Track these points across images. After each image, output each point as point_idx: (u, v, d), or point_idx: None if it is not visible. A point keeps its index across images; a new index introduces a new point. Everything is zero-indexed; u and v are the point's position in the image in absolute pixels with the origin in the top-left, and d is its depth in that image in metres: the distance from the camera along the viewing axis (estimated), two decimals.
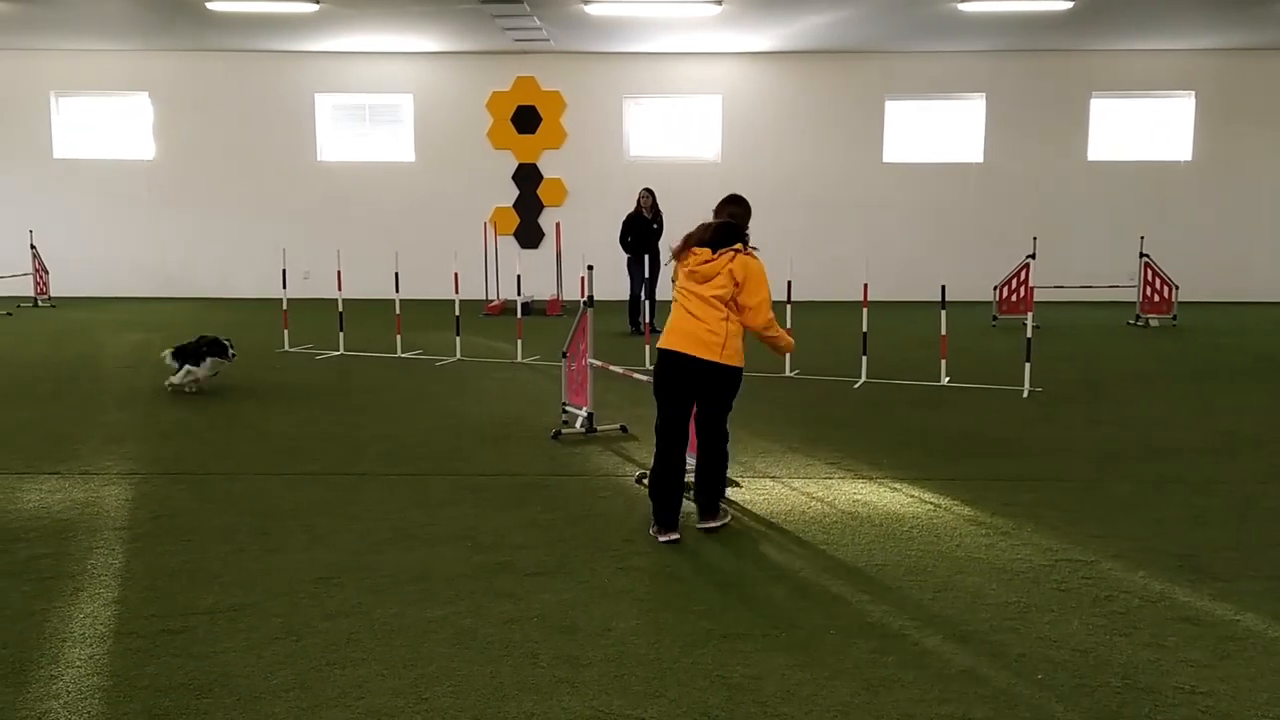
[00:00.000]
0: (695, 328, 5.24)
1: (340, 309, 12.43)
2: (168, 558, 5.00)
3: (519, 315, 12.00)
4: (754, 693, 3.58)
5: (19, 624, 4.16)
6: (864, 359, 10.09)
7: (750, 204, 5.76)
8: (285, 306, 12.63)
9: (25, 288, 17.37)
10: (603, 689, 3.60)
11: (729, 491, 6.06)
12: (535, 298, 16.29)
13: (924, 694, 3.57)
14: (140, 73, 18.42)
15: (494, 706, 3.48)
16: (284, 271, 12.87)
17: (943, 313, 10.04)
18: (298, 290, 14.70)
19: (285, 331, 12.42)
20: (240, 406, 8.86)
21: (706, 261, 5.32)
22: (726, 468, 5.65)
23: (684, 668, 3.78)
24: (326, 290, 13.92)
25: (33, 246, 17.24)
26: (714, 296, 5.25)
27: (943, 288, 10.09)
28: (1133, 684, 3.64)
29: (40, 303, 17.23)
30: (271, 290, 15.29)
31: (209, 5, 14.33)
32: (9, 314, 15.83)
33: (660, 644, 3.99)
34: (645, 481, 6.33)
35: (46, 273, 17.41)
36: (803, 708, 3.47)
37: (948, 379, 9.80)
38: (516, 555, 5.03)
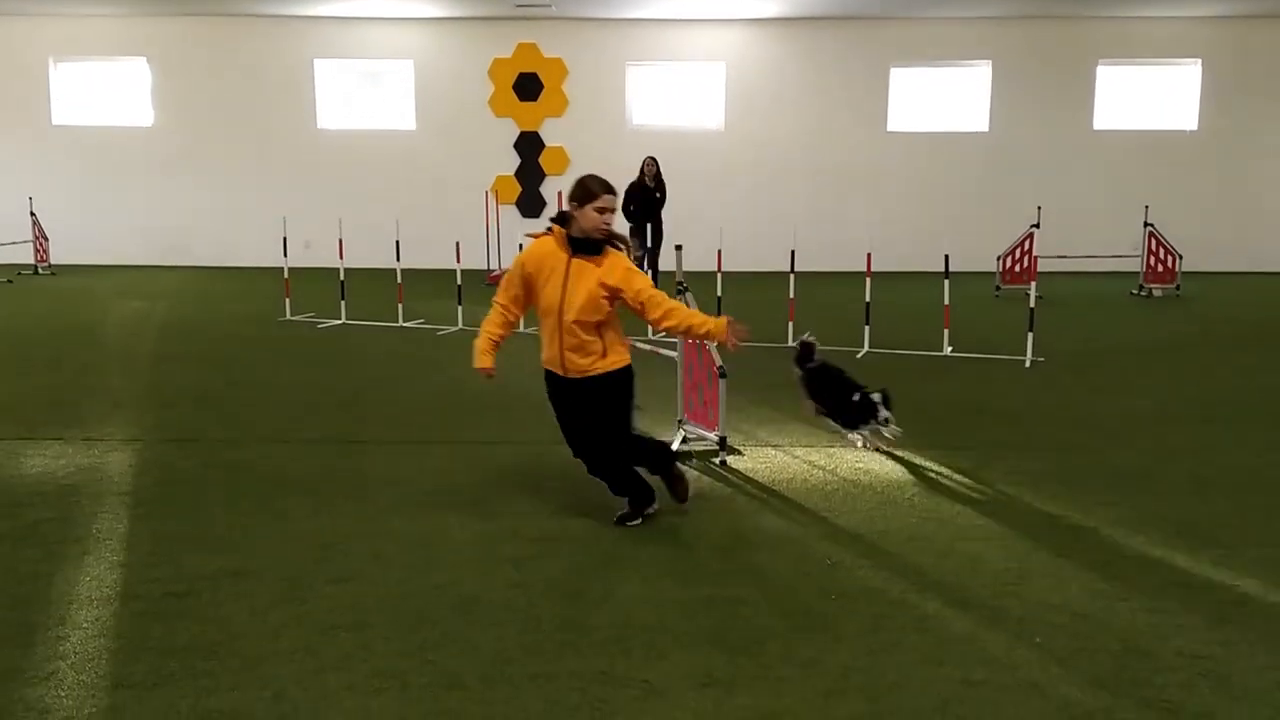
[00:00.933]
0: None
1: (342, 278, 12.41)
2: (172, 523, 5.02)
3: None
4: (755, 656, 3.61)
5: (25, 586, 4.19)
6: (866, 329, 10.07)
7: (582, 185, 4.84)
8: (286, 275, 12.61)
9: (25, 255, 17.34)
10: (606, 652, 3.63)
11: (731, 460, 6.08)
12: None
13: (924, 657, 3.59)
14: (138, 37, 18.29)
15: (498, 669, 3.51)
16: (285, 240, 12.85)
17: (946, 283, 10.01)
18: (299, 259, 14.66)
19: (287, 300, 12.41)
20: (243, 374, 8.87)
21: None
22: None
23: (686, 632, 3.80)
24: (328, 259, 13.90)
25: (32, 214, 17.20)
26: None
27: (946, 257, 10.06)
28: (1131, 647, 3.66)
29: (40, 270, 17.21)
30: (272, 259, 15.26)
31: None
32: (9, 281, 15.82)
33: (662, 609, 4.01)
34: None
35: (46, 240, 17.37)
36: (803, 671, 3.50)
37: (950, 349, 9.79)
38: (520, 522, 5.05)
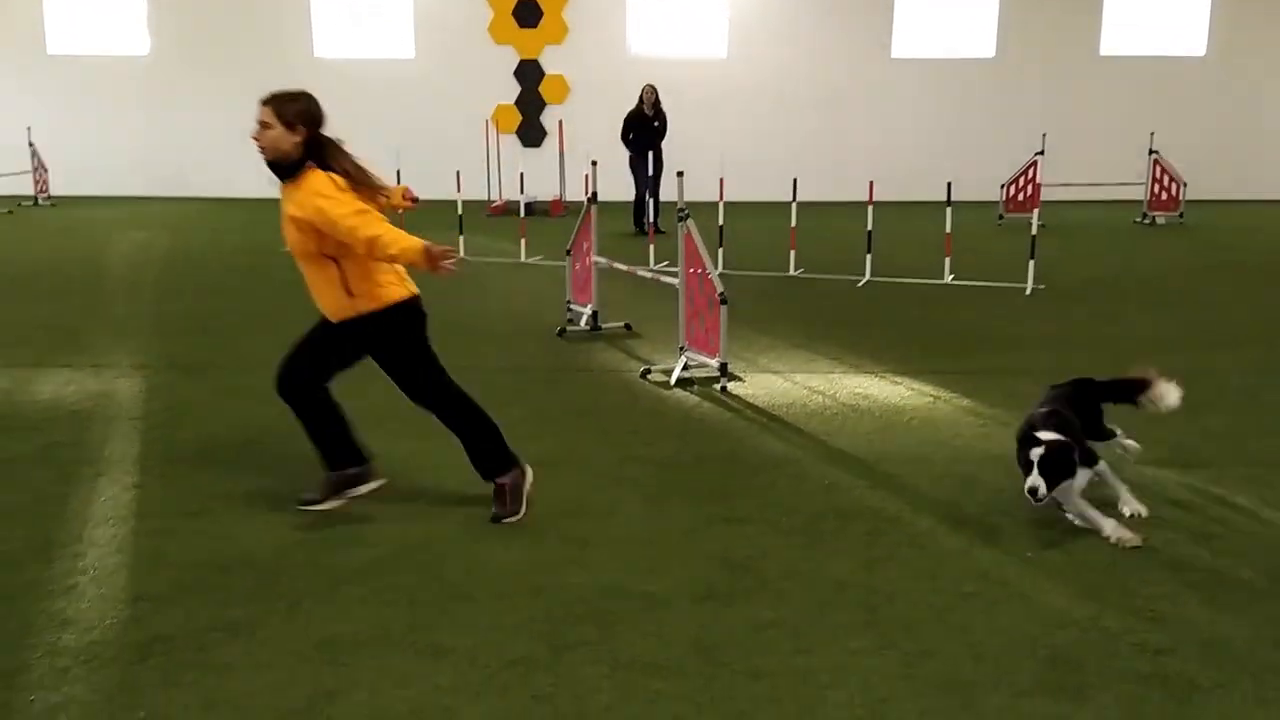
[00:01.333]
0: None
1: None
2: (183, 446, 5.11)
3: (521, 215, 11.95)
4: (755, 571, 3.71)
5: (42, 506, 4.29)
6: (868, 257, 10.09)
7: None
8: None
9: (25, 186, 17.26)
10: (609, 566, 3.74)
11: (731, 386, 6.15)
12: (538, 198, 16.19)
13: (917, 571, 3.70)
14: None
15: (506, 581, 3.62)
16: None
17: (948, 210, 10.00)
18: None
19: None
20: (246, 304, 8.91)
21: None
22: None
23: (687, 548, 3.91)
24: None
25: (31, 144, 17.07)
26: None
27: (948, 185, 10.03)
28: (1120, 561, 3.76)
29: (41, 201, 17.14)
30: (272, 190, 15.17)
31: None
32: (9, 212, 15.78)
33: (664, 527, 4.11)
34: (650, 376, 6.43)
35: (46, 171, 17.28)
36: (801, 583, 3.61)
37: (951, 277, 9.82)
38: (524, 445, 5.10)
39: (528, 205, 12.78)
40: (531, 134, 18.44)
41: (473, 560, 3.79)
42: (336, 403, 4.35)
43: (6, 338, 7.47)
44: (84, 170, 18.28)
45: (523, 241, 11.52)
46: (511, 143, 18.00)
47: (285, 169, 3.99)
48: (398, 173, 12.14)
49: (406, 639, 3.21)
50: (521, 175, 12.50)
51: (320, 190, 3.90)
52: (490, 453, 4.26)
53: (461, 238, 11.56)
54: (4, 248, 12.28)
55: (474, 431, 4.29)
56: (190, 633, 3.24)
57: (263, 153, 3.99)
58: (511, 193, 16.30)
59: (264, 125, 3.94)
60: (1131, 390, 4.51)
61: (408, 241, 3.78)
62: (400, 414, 4.68)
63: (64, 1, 18.40)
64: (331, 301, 4.12)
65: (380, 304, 4.07)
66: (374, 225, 3.83)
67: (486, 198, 16.55)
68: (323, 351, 4.28)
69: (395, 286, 4.07)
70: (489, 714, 2.80)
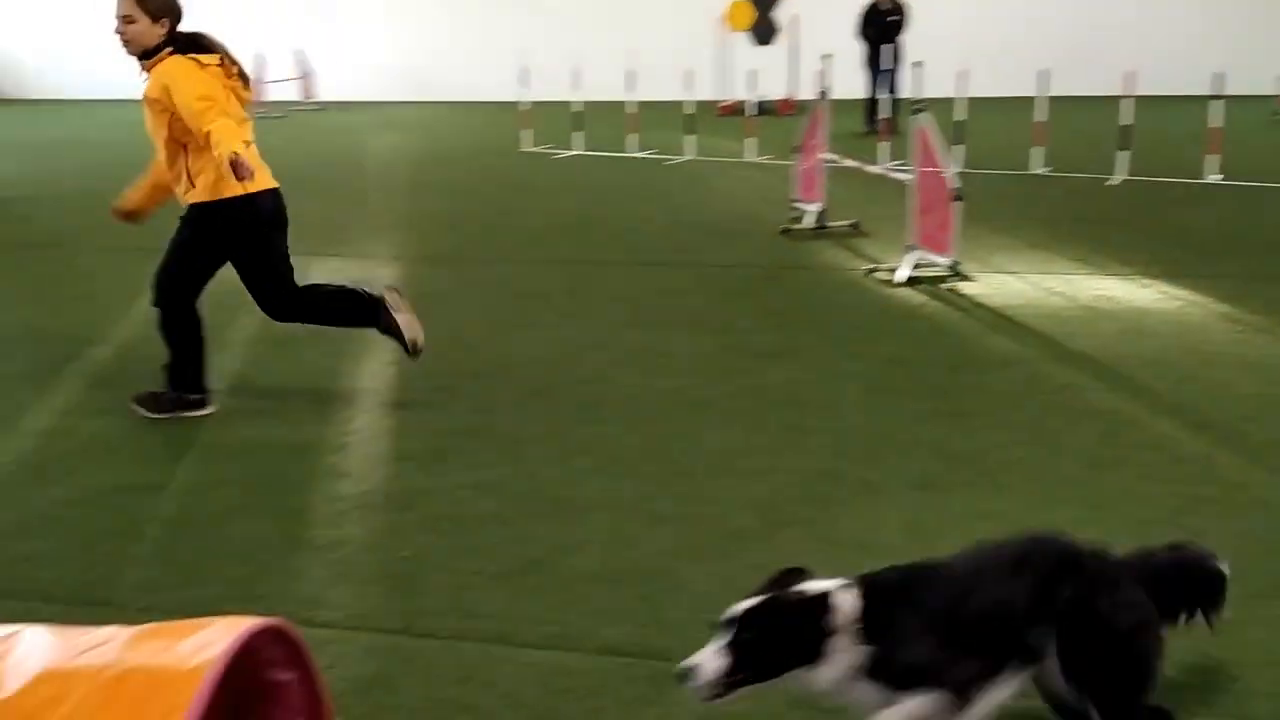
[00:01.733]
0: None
1: (577, 110, 12.71)
2: (435, 328, 5.49)
3: (750, 114, 11.89)
4: (974, 463, 3.71)
5: (316, 379, 4.81)
6: (1121, 154, 9.42)
7: None
8: (523, 107, 13.05)
9: (294, 93, 18.65)
10: (827, 453, 3.83)
11: (962, 286, 6.00)
12: (768, 97, 15.97)
13: (1150, 473, 3.58)
14: None
15: (726, 462, 3.79)
16: (520, 71, 13.21)
17: (1217, 103, 9.16)
18: (536, 92, 15.07)
19: (525, 132, 12.87)
20: (488, 201, 9.41)
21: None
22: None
23: (906, 439, 3.94)
24: (562, 93, 14.21)
25: (299, 53, 18.38)
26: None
27: (1219, 76, 9.17)
28: None
29: (308, 107, 18.50)
30: (511, 93, 15.74)
31: None
32: (282, 117, 17.13)
33: (884, 418, 4.15)
34: (875, 274, 6.37)
35: (313, 78, 18.58)
36: (1024, 477, 3.58)
37: (1218, 175, 9.04)
38: (748, 338, 5.26)
39: (758, 104, 12.68)
40: (764, 31, 18.11)
41: (695, 441, 3.98)
42: (200, 322, 4.28)
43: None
44: (344, 76, 19.55)
45: (751, 140, 11.49)
46: (744, 41, 17.78)
47: (146, 56, 4.04)
48: (628, 73, 12.31)
49: (633, 505, 3.45)
50: (752, 74, 12.38)
51: (170, 71, 3.96)
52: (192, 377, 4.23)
53: (691, 138, 11.65)
54: (279, 150, 13.39)
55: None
56: (445, 489, 3.60)
57: (126, 46, 4.04)
58: (743, 93, 16.18)
59: (127, 20, 3.98)
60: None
61: (225, 146, 3.72)
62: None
63: None
64: (179, 190, 4.16)
65: (213, 196, 4.05)
66: (213, 117, 3.83)
67: (717, 98, 16.49)
68: (175, 250, 4.23)
69: (230, 180, 3.82)
70: (706, 576, 2.99)
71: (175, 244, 4.23)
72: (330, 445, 4.00)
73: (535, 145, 12.67)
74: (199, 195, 4.08)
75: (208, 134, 3.80)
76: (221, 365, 4.84)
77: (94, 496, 3.58)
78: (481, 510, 3.44)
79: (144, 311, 5.83)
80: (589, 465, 3.78)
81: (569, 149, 12.34)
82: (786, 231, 7.68)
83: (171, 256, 4.22)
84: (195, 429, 4.16)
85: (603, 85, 16.04)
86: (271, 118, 16.81)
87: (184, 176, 4.09)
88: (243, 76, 4.18)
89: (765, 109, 15.12)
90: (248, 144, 3.91)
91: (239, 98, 4.12)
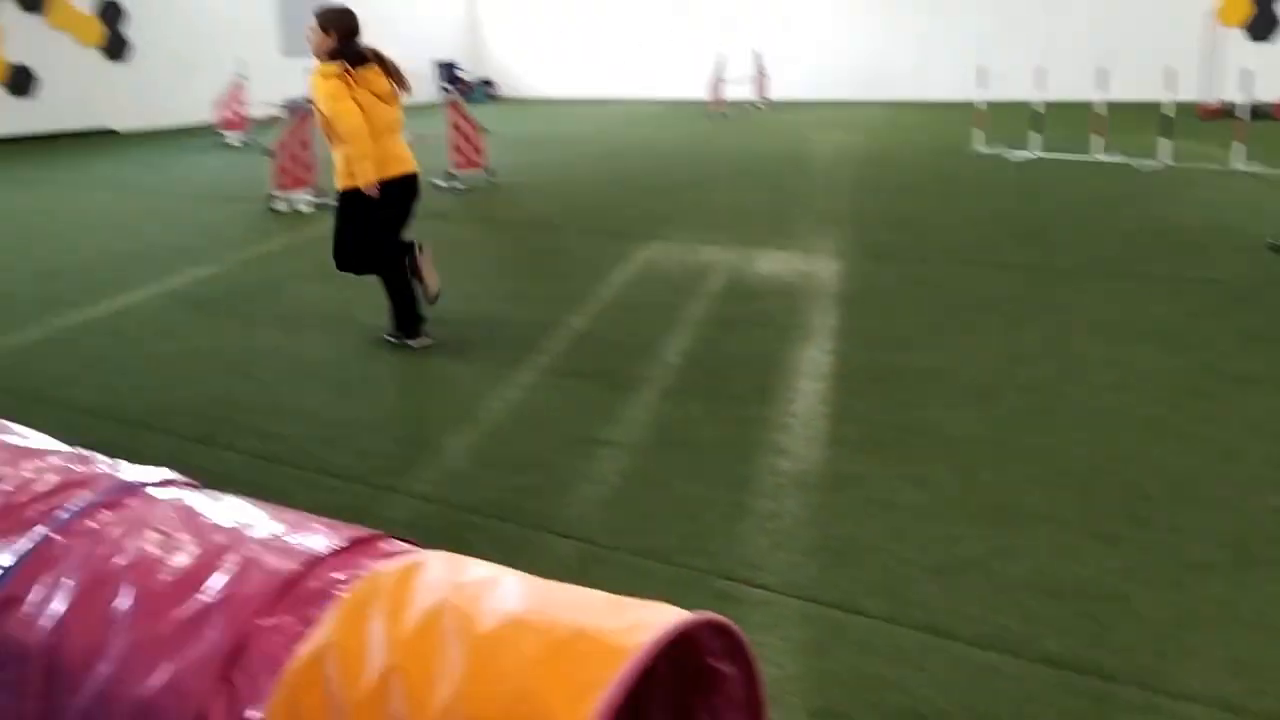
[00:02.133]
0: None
1: (1036, 109, 12.12)
2: (873, 322, 5.63)
3: (1241, 117, 10.64)
4: None
5: (759, 360, 5.06)
6: None
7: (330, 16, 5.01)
8: (979, 106, 12.66)
9: (749, 92, 19.53)
10: None
11: None
12: (1264, 100, 14.18)
13: None
14: None
15: (1189, 489, 3.49)
16: (978, 70, 12.82)
17: None
18: (995, 91, 14.55)
19: (977, 132, 12.49)
20: (934, 201, 9.27)
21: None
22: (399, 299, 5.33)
23: None
24: (1020, 91, 13.56)
25: (756, 55, 19.21)
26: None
27: None
28: None
29: (759, 106, 19.28)
30: (963, 92, 15.31)
31: None
32: (733, 116, 18.02)
33: None
34: None
35: (766, 78, 19.35)
36: None
37: None
38: (1221, 360, 4.78)
39: (1251, 107, 11.32)
40: (1262, 25, 16.09)
41: (1151, 463, 3.71)
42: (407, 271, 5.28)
43: (737, 220, 8.72)
44: (794, 76, 20.13)
45: (1239, 146, 10.29)
46: (1236, 37, 15.91)
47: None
48: (1097, 70, 11.48)
49: (1079, 521, 3.29)
50: (1247, 73, 11.06)
51: (320, 73, 4.93)
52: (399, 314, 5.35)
53: (1167, 142, 10.67)
54: (733, 145, 14.14)
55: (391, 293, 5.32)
56: (879, 477, 3.67)
57: (314, 53, 4.98)
58: (1232, 93, 14.50)
59: (311, 32, 4.98)
60: None
61: (358, 165, 4.93)
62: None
63: None
64: (337, 176, 5.12)
65: (346, 185, 5.07)
66: (348, 123, 4.88)
67: (1199, 99, 14.92)
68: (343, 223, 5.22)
69: (355, 176, 4.99)
70: (1161, 605, 2.79)
71: (357, 227, 5.19)
72: (772, 423, 4.21)
73: (988, 146, 12.27)
74: (340, 184, 5.10)
75: (337, 137, 4.97)
76: (676, 344, 5.27)
77: (570, 444, 4.07)
78: (914, 502, 3.47)
79: (611, 285, 6.49)
80: (1030, 474, 3.66)
81: (1025, 150, 11.81)
82: (1276, 249, 6.84)
83: (363, 236, 5.21)
84: (651, 398, 4.57)
85: (1067, 84, 15.14)
86: (726, 116, 17.75)
87: (339, 167, 5.08)
88: (395, 78, 5.12)
89: (1260, 113, 13.46)
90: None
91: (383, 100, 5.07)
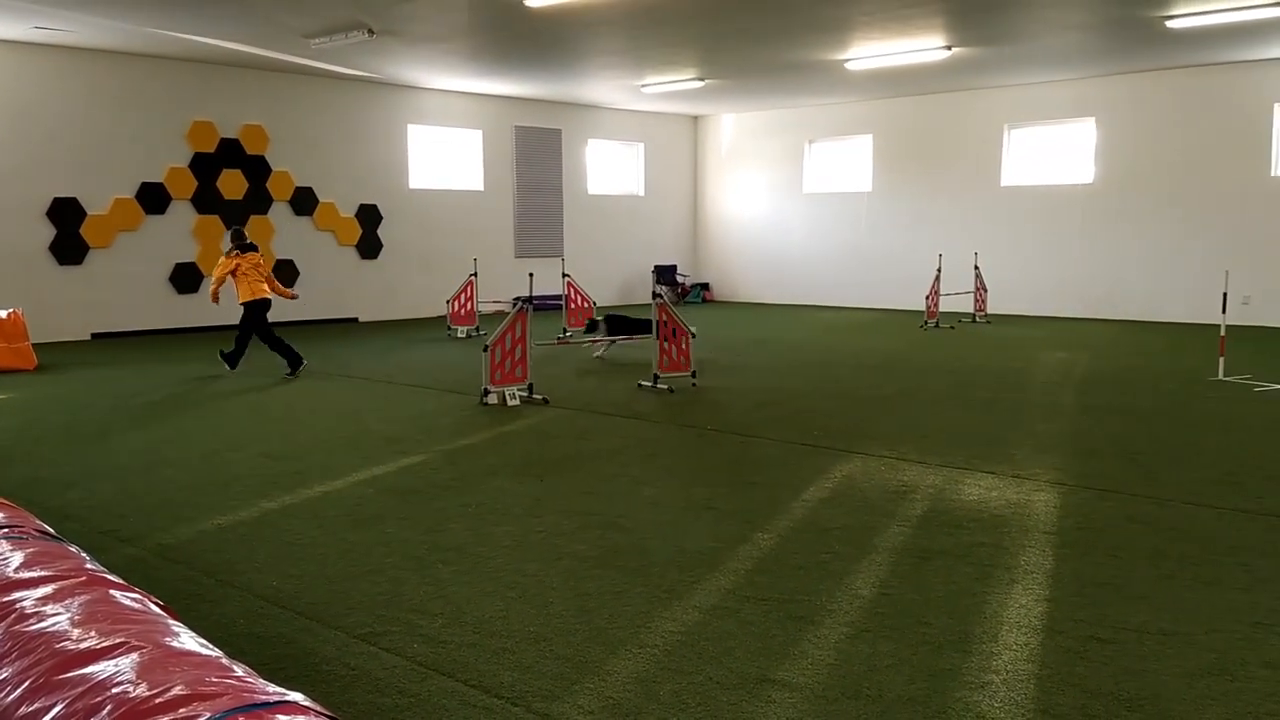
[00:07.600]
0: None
1: None
2: (1094, 568, 5.06)
3: None
4: None
5: (962, 601, 4.62)
6: None
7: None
8: (1223, 332, 11.80)
9: (966, 304, 19.15)
10: None
11: None
12: None
13: None
14: (1086, 98, 18.92)
15: None
16: (1224, 295, 12.03)
17: None
18: (1236, 316, 13.60)
19: (1220, 359, 11.60)
20: (1167, 432, 8.53)
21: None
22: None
23: None
24: (1270, 317, 12.59)
25: (976, 267, 18.92)
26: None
27: None
28: None
29: (977, 319, 18.81)
30: (1204, 315, 14.41)
31: (1168, 24, 14.00)
32: (951, 328, 17.62)
33: None
34: None
35: (985, 291, 18.94)
36: None
37: None
38: None
39: None
40: None
41: None
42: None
43: (945, 439, 8.29)
44: (1019, 291, 19.63)
45: None
46: None
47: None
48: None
49: None
50: None
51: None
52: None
53: None
54: (948, 358, 13.74)
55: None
56: None
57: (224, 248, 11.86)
58: None
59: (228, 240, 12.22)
60: None
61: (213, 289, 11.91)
62: None
63: (1020, 138, 20.10)
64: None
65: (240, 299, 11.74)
66: (218, 272, 11.78)
67: None
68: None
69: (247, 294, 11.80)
70: None
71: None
72: (970, 680, 3.76)
73: (1229, 374, 11.34)
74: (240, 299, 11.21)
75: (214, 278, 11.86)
76: (868, 574, 4.90)
77: (742, 682, 3.76)
78: None
79: (806, 502, 6.19)
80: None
81: (1276, 381, 10.82)
82: None
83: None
84: (834, 634, 4.21)
85: None
86: (941, 326, 17.39)
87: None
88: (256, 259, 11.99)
89: None
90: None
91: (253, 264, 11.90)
